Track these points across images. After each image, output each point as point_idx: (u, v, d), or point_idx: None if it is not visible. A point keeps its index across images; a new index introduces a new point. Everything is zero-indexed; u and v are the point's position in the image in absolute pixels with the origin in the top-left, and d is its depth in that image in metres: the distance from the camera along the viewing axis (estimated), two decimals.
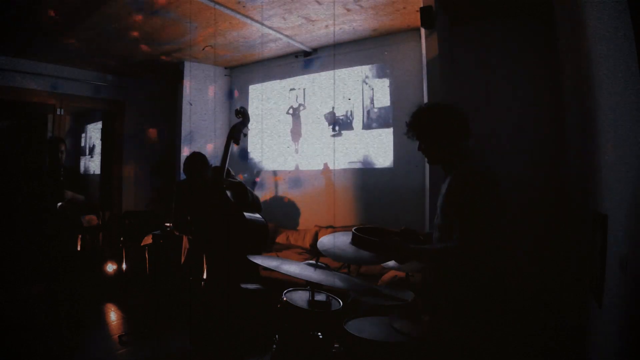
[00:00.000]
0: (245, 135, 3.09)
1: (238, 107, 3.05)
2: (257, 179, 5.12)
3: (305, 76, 4.77)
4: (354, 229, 1.71)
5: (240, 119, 3.01)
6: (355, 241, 1.67)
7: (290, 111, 4.90)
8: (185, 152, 4.95)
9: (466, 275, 1.47)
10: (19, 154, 5.25)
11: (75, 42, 4.10)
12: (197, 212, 2.86)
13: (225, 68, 5.39)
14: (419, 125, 1.65)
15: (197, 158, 2.86)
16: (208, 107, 5.23)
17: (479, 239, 1.39)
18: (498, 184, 1.52)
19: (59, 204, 3.34)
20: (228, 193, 2.80)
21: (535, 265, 2.81)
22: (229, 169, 2.93)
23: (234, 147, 3.01)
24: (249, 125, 3.11)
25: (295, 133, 4.86)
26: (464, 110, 1.63)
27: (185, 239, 3.10)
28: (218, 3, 3.31)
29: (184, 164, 2.86)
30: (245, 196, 2.80)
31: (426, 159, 1.72)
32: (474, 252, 1.39)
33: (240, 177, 4.75)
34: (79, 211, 3.71)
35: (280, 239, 4.51)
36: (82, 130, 6.54)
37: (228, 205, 2.77)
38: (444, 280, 1.59)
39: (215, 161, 5.05)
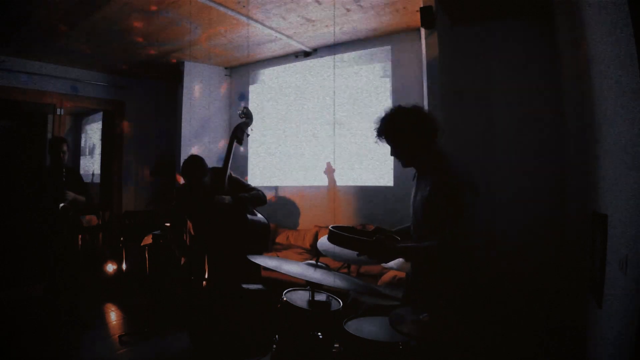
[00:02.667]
0: (248, 135, 3.09)
1: (242, 108, 3.05)
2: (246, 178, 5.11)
3: (306, 76, 4.76)
4: (331, 227, 1.73)
5: (244, 119, 3.01)
6: (340, 241, 1.66)
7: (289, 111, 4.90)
8: (185, 152, 4.95)
9: (466, 276, 1.48)
10: (19, 154, 5.26)
11: (76, 42, 4.10)
12: (198, 214, 2.85)
13: (225, 68, 5.39)
14: (389, 130, 1.70)
15: (193, 163, 2.79)
16: (208, 107, 5.24)
17: (456, 239, 1.52)
18: (474, 186, 1.64)
19: (61, 204, 3.32)
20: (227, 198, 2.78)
21: (535, 265, 2.81)
22: (231, 172, 2.91)
23: (237, 147, 3.00)
24: (251, 125, 3.10)
25: (295, 133, 4.86)
26: (428, 110, 1.77)
27: (187, 238, 3.11)
28: (218, 3, 3.31)
29: (182, 168, 2.83)
30: (244, 206, 2.79)
31: (400, 163, 1.78)
32: (452, 249, 1.52)
33: (246, 178, 4.76)
34: (80, 212, 3.70)
35: (280, 239, 4.51)
36: (82, 130, 6.55)
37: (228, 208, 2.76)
38: (444, 280, 1.60)
39: (216, 161, 5.09)
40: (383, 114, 1.74)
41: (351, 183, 4.37)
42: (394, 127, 1.69)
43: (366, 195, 4.26)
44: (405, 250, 1.64)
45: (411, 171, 1.83)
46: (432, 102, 3.00)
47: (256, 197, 2.88)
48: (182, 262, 3.24)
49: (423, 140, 1.66)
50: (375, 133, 1.75)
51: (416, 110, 1.69)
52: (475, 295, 1.50)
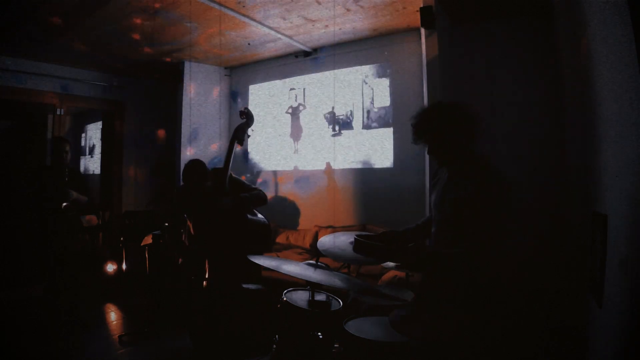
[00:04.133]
0: (249, 136, 3.10)
1: (243, 108, 3.06)
2: (259, 180, 5.13)
3: (305, 76, 4.77)
4: (356, 235, 1.66)
5: (245, 119, 3.02)
6: (366, 250, 1.59)
7: (290, 111, 4.90)
8: (185, 152, 4.95)
9: (467, 276, 1.48)
10: (19, 154, 5.26)
11: (75, 42, 4.10)
12: (198, 214, 2.85)
13: (225, 68, 5.39)
14: (428, 125, 1.60)
15: (195, 167, 2.80)
16: (208, 107, 5.23)
17: (489, 244, 1.48)
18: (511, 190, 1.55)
19: (64, 204, 3.33)
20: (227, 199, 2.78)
21: (535, 265, 2.80)
22: (231, 172, 2.91)
23: (237, 148, 3.00)
24: (252, 126, 3.11)
25: (295, 133, 4.86)
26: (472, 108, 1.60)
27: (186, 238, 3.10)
28: (218, 3, 3.31)
29: (183, 172, 2.84)
30: (245, 207, 2.79)
31: (436, 161, 1.68)
32: (484, 256, 1.47)
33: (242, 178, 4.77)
34: (80, 212, 3.70)
35: (280, 239, 4.51)
36: (82, 130, 6.55)
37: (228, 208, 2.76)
38: (445, 280, 1.59)
39: (217, 162, 5.09)
40: (421, 110, 1.65)
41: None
42: (435, 122, 1.58)
43: (365, 185, 4.31)
44: (437, 257, 1.57)
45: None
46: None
47: (257, 197, 2.88)
48: (179, 262, 3.24)
49: (464, 137, 1.57)
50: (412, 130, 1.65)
51: (458, 106, 1.59)
52: (475, 295, 1.49)
